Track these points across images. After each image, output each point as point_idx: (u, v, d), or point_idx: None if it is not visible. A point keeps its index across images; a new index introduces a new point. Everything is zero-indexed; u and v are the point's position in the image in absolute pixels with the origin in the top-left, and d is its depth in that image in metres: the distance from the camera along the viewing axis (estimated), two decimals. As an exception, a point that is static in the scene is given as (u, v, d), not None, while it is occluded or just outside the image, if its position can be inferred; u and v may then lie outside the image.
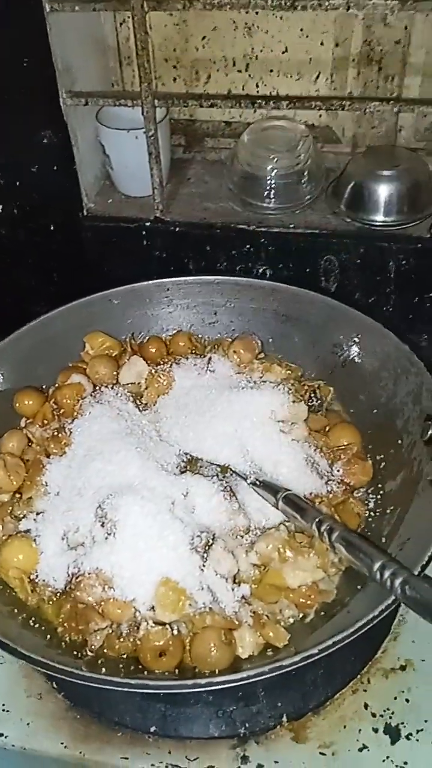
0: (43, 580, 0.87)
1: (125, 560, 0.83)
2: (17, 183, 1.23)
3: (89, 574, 0.83)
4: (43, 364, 1.06)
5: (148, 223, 1.27)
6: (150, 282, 1.10)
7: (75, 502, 0.90)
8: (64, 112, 1.18)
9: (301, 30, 1.26)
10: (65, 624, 0.84)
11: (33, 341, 1.05)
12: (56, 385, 1.06)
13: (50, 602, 0.87)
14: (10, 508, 0.93)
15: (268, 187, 1.26)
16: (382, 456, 0.96)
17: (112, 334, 1.09)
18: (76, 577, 0.84)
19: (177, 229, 1.26)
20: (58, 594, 0.86)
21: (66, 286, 1.35)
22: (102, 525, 0.86)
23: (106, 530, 0.85)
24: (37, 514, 0.92)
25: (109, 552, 0.84)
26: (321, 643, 0.72)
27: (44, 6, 1.10)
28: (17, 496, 0.95)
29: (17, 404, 1.03)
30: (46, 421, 1.01)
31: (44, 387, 1.06)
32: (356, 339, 1.03)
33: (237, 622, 0.82)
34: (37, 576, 0.87)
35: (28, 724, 0.91)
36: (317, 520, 0.83)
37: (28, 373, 1.05)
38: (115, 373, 1.06)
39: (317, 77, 1.30)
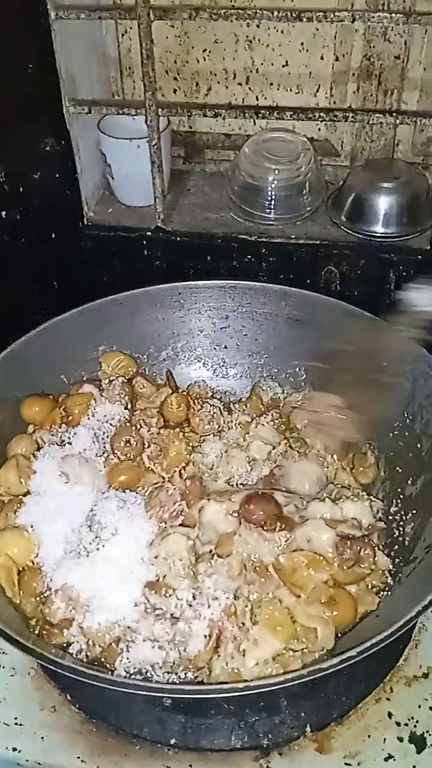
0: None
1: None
2: (20, 188, 1.22)
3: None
4: (52, 369, 1.04)
5: (149, 233, 1.26)
6: (161, 286, 1.08)
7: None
8: (66, 120, 1.18)
9: (302, 44, 1.27)
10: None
11: (42, 346, 1.02)
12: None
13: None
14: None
15: (269, 198, 1.26)
16: (400, 460, 0.96)
17: (122, 338, 1.07)
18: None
19: (178, 238, 1.26)
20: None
21: (65, 294, 1.34)
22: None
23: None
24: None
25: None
26: (359, 645, 0.71)
27: (50, 13, 1.10)
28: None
29: (24, 411, 1.00)
30: (55, 427, 0.98)
31: (51, 396, 1.03)
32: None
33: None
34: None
35: (42, 738, 0.87)
36: None
37: (37, 379, 1.03)
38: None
39: (317, 91, 1.31)
